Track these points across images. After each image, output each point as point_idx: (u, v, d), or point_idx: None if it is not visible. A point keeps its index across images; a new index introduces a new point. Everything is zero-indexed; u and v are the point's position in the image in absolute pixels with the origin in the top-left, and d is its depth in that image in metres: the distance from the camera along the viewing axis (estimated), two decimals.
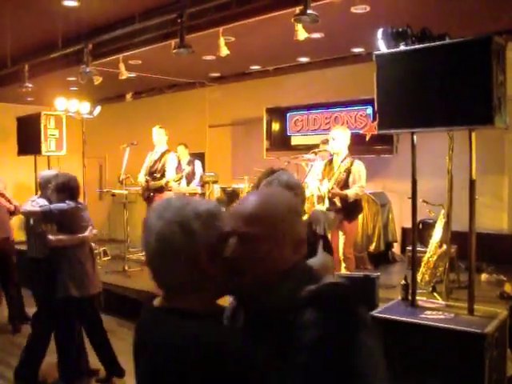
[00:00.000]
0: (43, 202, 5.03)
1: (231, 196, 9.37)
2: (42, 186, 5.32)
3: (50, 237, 4.79)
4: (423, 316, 4.51)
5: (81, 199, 10.20)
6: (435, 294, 5.41)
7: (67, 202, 4.80)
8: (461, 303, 4.89)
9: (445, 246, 5.53)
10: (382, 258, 8.35)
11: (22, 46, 8.07)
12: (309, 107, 9.42)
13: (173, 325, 1.43)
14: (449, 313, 4.59)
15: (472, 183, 4.42)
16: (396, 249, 8.69)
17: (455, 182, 5.01)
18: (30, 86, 8.04)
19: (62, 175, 5.04)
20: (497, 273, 6.69)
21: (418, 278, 5.44)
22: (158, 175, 8.07)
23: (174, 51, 6.27)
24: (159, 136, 8.29)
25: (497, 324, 4.25)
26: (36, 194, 9.55)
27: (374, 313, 4.15)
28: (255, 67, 9.66)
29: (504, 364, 4.46)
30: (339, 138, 6.06)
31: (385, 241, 8.25)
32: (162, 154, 8.23)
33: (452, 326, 4.18)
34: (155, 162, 8.23)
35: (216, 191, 9.66)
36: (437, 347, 4.17)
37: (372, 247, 8.10)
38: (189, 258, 1.44)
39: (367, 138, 7.96)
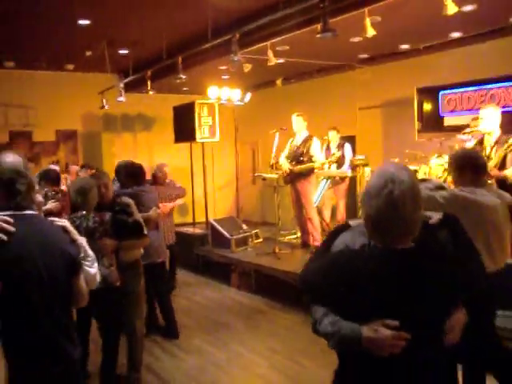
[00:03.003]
0: None
1: None
2: None
3: None
4: None
5: (234, 184, 10.61)
6: None
7: None
8: None
9: None
10: None
11: (176, 39, 8.59)
12: (462, 85, 8.93)
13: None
14: None
15: None
16: None
17: None
18: (184, 77, 8.45)
19: None
20: None
21: None
22: (305, 159, 8.19)
23: (318, 35, 6.24)
24: (298, 123, 8.45)
25: None
26: (191, 178, 10.07)
27: None
28: (405, 46, 9.37)
29: None
30: (490, 118, 5.65)
31: None
32: (306, 140, 8.35)
33: None
34: (298, 147, 8.37)
35: (367, 174, 9.55)
36: None
37: None
38: None
39: None
